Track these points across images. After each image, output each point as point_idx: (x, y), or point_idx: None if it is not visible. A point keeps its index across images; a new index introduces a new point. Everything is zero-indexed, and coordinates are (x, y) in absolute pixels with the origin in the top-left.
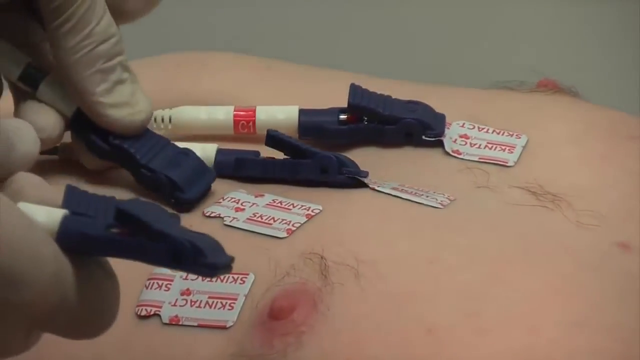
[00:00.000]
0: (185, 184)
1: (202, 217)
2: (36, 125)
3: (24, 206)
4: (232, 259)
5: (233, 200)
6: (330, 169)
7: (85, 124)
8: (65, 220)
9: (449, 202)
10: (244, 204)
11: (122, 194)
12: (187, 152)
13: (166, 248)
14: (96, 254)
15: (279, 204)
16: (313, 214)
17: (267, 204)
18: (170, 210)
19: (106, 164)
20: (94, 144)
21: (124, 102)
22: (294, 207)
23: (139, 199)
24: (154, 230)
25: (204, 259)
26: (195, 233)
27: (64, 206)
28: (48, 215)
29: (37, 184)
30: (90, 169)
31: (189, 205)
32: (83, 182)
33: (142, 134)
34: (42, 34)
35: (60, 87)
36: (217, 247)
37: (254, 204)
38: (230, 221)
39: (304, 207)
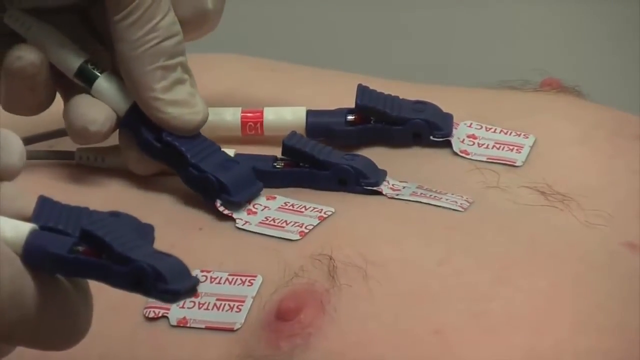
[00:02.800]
0: (232, 187)
1: (213, 219)
2: (87, 117)
3: None
4: (196, 283)
5: None
6: (349, 181)
7: (138, 122)
8: (30, 237)
9: (468, 204)
10: (256, 206)
11: (144, 201)
12: (237, 161)
13: (127, 272)
14: (60, 272)
15: (291, 207)
16: (325, 216)
17: (279, 207)
18: (145, 223)
19: (151, 168)
20: (145, 141)
21: (183, 100)
22: (306, 209)
23: (112, 214)
24: (116, 252)
25: (164, 284)
26: (162, 255)
27: (34, 219)
28: (15, 229)
29: (13, 195)
30: (138, 173)
31: (234, 207)
32: (99, 187)
33: (194, 136)
34: (96, 38)
35: (115, 86)
36: (182, 270)
37: (265, 207)
38: (243, 225)
39: (316, 210)
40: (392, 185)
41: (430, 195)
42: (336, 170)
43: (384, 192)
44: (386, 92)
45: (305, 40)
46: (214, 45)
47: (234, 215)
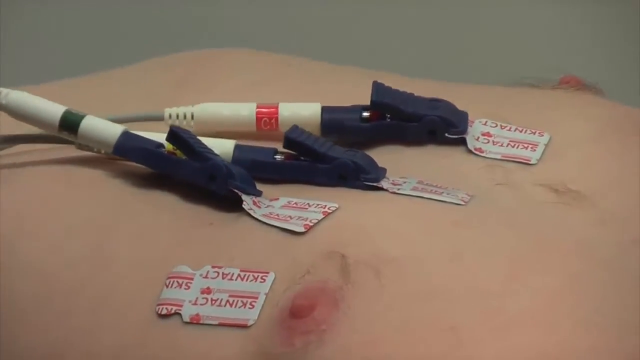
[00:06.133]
0: (238, 177)
1: (223, 214)
2: None
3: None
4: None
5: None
6: (349, 176)
7: (133, 142)
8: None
9: (469, 198)
10: (259, 203)
11: (151, 196)
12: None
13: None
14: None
15: (294, 205)
16: (330, 211)
17: (283, 206)
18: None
19: None
20: (145, 153)
21: None
22: (309, 206)
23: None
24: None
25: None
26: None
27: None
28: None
29: None
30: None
31: (242, 191)
32: (103, 182)
33: None
34: None
35: (101, 121)
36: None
37: (269, 205)
38: (249, 208)
39: (320, 206)
40: (393, 180)
41: (431, 190)
42: (337, 165)
43: (384, 187)
44: (402, 89)
45: (320, 36)
46: (227, 41)
47: (242, 197)
